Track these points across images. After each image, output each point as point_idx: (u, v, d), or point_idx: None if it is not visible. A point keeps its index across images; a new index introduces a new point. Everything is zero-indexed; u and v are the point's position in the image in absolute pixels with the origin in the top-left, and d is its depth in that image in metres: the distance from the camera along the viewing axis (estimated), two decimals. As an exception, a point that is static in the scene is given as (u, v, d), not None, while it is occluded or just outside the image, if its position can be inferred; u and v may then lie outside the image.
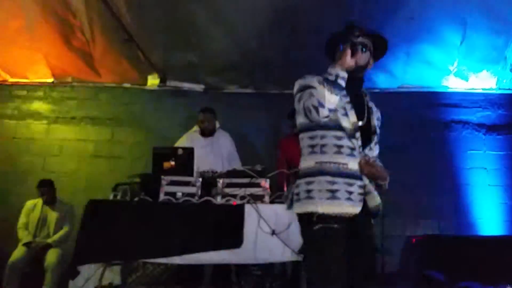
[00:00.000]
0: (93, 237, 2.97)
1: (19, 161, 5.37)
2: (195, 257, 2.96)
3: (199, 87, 5.55)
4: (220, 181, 3.17)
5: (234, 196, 3.11)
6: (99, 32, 4.81)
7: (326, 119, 1.99)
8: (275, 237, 2.97)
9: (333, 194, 1.98)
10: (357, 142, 2.04)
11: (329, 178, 2.00)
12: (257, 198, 3.10)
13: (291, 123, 4.18)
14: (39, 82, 5.58)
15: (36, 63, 5.33)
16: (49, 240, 4.40)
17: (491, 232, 5.00)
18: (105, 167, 5.29)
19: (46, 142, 5.44)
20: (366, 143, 2.09)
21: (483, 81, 5.26)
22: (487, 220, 5.09)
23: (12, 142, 5.44)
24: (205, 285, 3.68)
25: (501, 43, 4.74)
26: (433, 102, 5.33)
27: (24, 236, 4.43)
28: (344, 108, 2.06)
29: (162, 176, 3.18)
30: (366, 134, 2.10)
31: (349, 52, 1.99)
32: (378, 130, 2.20)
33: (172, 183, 3.17)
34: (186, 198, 3.13)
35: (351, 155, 2.02)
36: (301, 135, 2.18)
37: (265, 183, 3.16)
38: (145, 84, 5.53)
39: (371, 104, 2.22)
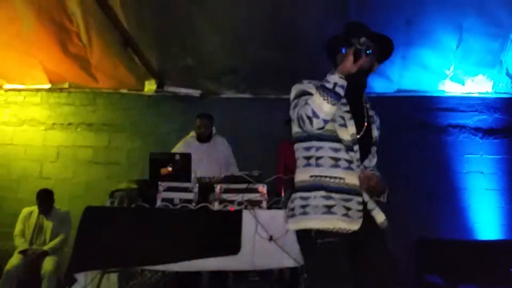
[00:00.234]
0: (90, 244, 2.95)
1: (16, 167, 5.34)
2: (192, 264, 2.95)
3: (196, 92, 5.55)
4: (218, 187, 3.16)
5: (232, 201, 3.10)
6: (96, 38, 4.81)
7: (320, 130, 1.86)
8: (273, 243, 2.96)
9: (329, 210, 1.84)
10: (355, 155, 1.89)
11: (324, 193, 1.86)
12: (255, 204, 3.09)
13: (289, 129, 4.18)
14: (36, 88, 5.57)
15: (32, 69, 5.32)
16: (46, 248, 4.37)
17: (488, 236, 5.00)
18: (102, 173, 5.27)
19: (42, 148, 5.42)
20: (365, 155, 1.96)
21: (479, 85, 5.27)
22: (484, 224, 5.09)
23: (9, 148, 5.42)
24: (203, 292, 3.67)
25: (497, 47, 4.76)
26: (430, 106, 5.34)
27: (20, 243, 4.40)
28: (343, 118, 1.92)
29: (159, 182, 3.17)
30: (366, 146, 1.97)
31: (351, 57, 1.82)
32: (377, 141, 2.07)
33: (169, 189, 3.16)
34: (184, 204, 3.12)
35: (349, 168, 1.88)
36: (296, 146, 2.03)
37: (263, 188, 3.15)
38: (142, 89, 5.53)
39: (372, 113, 2.06)
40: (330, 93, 1.80)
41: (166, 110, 5.47)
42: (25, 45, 4.91)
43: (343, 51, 1.94)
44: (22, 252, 4.32)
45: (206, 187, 3.31)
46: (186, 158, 3.41)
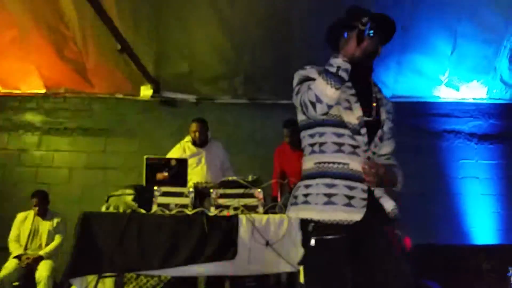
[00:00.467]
0: (86, 249, 2.94)
1: (11, 172, 5.32)
2: (188, 269, 2.94)
3: (191, 98, 5.55)
4: (214, 192, 3.16)
5: (228, 207, 3.10)
6: (92, 43, 4.82)
7: (324, 116, 1.78)
8: (270, 248, 2.96)
9: (329, 199, 1.75)
10: (363, 139, 1.80)
11: (328, 180, 1.78)
12: (251, 209, 3.10)
13: (287, 132, 4.19)
14: (32, 93, 5.56)
15: (28, 74, 5.31)
16: (41, 252, 4.35)
17: (484, 241, 5.01)
18: (98, 178, 5.25)
19: (38, 153, 5.40)
20: (372, 138, 1.84)
21: (474, 91, 5.31)
22: (480, 229, 5.10)
23: (4, 153, 5.40)
24: (199, 297, 3.66)
25: (491, 53, 4.80)
26: (425, 111, 5.37)
27: (15, 248, 4.38)
28: (348, 101, 1.83)
29: (155, 187, 3.17)
30: (373, 129, 1.85)
31: (354, 39, 1.74)
32: (390, 124, 1.95)
33: (165, 194, 3.16)
34: (179, 209, 3.12)
35: (353, 153, 1.79)
36: (302, 134, 1.95)
37: (259, 193, 3.15)
38: (138, 94, 5.52)
39: (381, 96, 1.96)
40: (333, 77, 1.72)
41: (162, 115, 5.47)
42: (22, 50, 4.91)
43: (345, 35, 1.85)
44: (17, 257, 4.30)
45: (202, 192, 3.31)
46: (182, 163, 3.41)
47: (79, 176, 5.32)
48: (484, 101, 5.41)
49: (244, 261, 2.95)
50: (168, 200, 3.13)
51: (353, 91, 1.86)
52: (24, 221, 4.51)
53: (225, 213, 3.08)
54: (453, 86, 5.26)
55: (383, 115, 1.90)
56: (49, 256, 4.33)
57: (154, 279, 3.80)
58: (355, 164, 1.78)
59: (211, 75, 5.22)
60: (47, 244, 4.43)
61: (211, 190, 3.19)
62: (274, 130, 4.68)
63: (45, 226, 4.50)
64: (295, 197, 1.89)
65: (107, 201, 3.21)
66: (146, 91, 5.48)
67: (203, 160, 4.17)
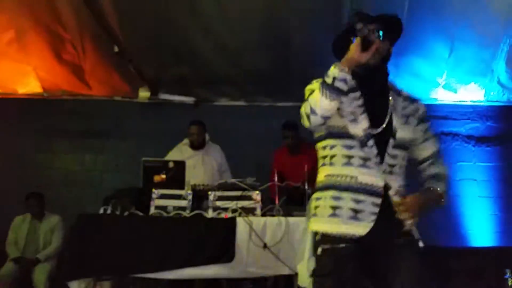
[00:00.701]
0: (83, 251, 2.94)
1: (9, 175, 5.30)
2: (186, 272, 2.95)
3: (190, 100, 5.55)
4: (211, 194, 3.16)
5: (226, 209, 3.10)
6: (90, 45, 4.81)
7: (321, 127, 1.78)
8: (267, 250, 2.96)
9: (334, 212, 1.74)
10: (371, 151, 1.75)
11: (335, 193, 1.76)
12: (249, 211, 3.10)
13: (286, 134, 4.18)
14: (29, 95, 5.54)
15: (26, 76, 5.30)
16: (38, 255, 4.33)
17: (482, 243, 5.02)
18: (95, 180, 5.24)
19: (36, 156, 5.38)
20: (384, 149, 1.78)
21: (471, 93, 5.32)
22: (478, 232, 5.11)
23: (1, 156, 5.38)
24: (196, 300, 3.65)
25: (488, 56, 4.80)
26: (423, 114, 5.37)
27: (12, 251, 4.37)
28: (353, 114, 1.79)
29: (153, 190, 3.17)
30: (385, 139, 1.79)
31: (358, 45, 1.69)
32: (421, 126, 1.88)
33: (163, 196, 3.16)
34: (177, 211, 3.12)
35: (363, 166, 1.74)
36: (316, 146, 1.93)
37: (257, 196, 3.16)
38: (136, 97, 5.52)
39: (399, 100, 1.88)
40: (328, 88, 1.69)
41: (160, 117, 5.46)
42: (19, 52, 4.90)
43: (354, 41, 1.76)
44: (14, 260, 4.28)
45: (200, 195, 3.31)
46: (179, 165, 3.41)
47: (76, 178, 5.31)
48: (482, 104, 5.42)
49: (242, 264, 2.96)
50: (166, 203, 3.14)
51: (360, 102, 1.81)
52: (21, 224, 4.50)
53: (223, 215, 3.08)
54: (450, 89, 5.26)
55: (398, 122, 1.81)
56: (46, 259, 4.32)
57: (151, 282, 3.78)
58: (365, 177, 1.74)
59: (209, 77, 5.21)
60: (44, 247, 4.42)
61: (209, 193, 3.19)
62: (272, 133, 4.68)
63: (42, 228, 4.49)
64: (309, 210, 1.90)
65: (104, 203, 3.21)
66: (144, 94, 5.47)
67: (200, 162, 4.17)
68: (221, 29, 4.50)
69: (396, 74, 5.01)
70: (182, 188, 3.29)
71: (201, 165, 4.15)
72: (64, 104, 5.56)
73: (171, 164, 3.42)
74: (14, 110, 5.50)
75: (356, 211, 1.72)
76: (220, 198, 3.15)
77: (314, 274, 1.82)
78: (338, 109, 1.78)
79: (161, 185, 3.28)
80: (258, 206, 3.13)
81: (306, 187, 3.33)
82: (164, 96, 5.53)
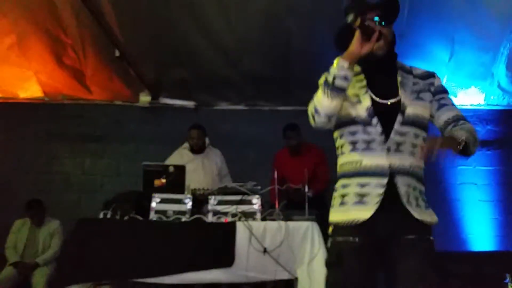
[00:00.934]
0: (82, 256, 2.93)
1: (9, 179, 5.30)
2: (186, 276, 2.94)
3: (190, 104, 5.56)
4: (211, 199, 3.16)
5: (225, 213, 3.10)
6: (91, 50, 4.82)
7: (327, 125, 1.76)
8: (267, 255, 2.96)
9: (342, 200, 1.74)
10: (376, 129, 1.71)
11: (344, 181, 1.76)
12: (249, 216, 3.10)
13: (288, 135, 4.18)
14: (30, 100, 5.55)
15: (27, 81, 5.31)
16: (37, 259, 4.33)
17: (482, 248, 5.01)
18: (95, 184, 5.25)
19: (36, 160, 5.39)
20: (390, 127, 1.72)
21: (471, 97, 5.32)
22: (478, 236, 5.10)
23: (2, 160, 5.38)
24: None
25: (488, 60, 4.81)
26: (423, 118, 5.37)
27: (11, 256, 4.36)
28: (357, 95, 1.77)
29: (153, 194, 3.17)
30: (392, 115, 1.73)
31: (358, 37, 1.66)
32: (436, 97, 1.82)
33: (163, 201, 3.16)
34: (177, 216, 3.11)
35: (367, 149, 1.71)
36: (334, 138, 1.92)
37: (257, 200, 3.15)
38: (137, 101, 5.53)
39: (407, 78, 1.82)
40: (330, 87, 1.68)
41: (161, 121, 5.47)
42: (20, 57, 4.91)
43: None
44: (13, 265, 4.28)
45: (200, 199, 3.31)
46: (180, 169, 3.41)
47: (77, 182, 5.31)
48: (482, 107, 5.43)
49: (242, 268, 2.95)
50: (166, 207, 3.14)
51: (363, 83, 1.79)
52: (21, 228, 4.49)
53: (223, 219, 3.07)
54: (451, 93, 5.26)
55: (407, 98, 1.75)
56: (45, 263, 4.32)
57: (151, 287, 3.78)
58: (369, 160, 1.70)
59: (209, 81, 5.22)
60: (43, 251, 4.41)
61: (209, 197, 3.19)
62: (272, 137, 4.68)
63: (42, 233, 4.48)
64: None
65: (104, 207, 3.21)
66: (144, 98, 5.49)
67: (201, 166, 4.17)
68: (222, 33, 4.51)
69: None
70: (182, 192, 3.30)
71: (201, 169, 4.15)
72: (65, 109, 5.57)
73: (171, 169, 3.42)
74: (15, 115, 5.51)
75: (361, 195, 1.69)
76: (220, 203, 3.15)
77: (326, 265, 1.81)
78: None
79: (161, 189, 3.28)
80: (258, 211, 3.12)
81: (306, 189, 3.33)
82: (165, 100, 5.55)
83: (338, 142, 1.83)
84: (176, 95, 5.52)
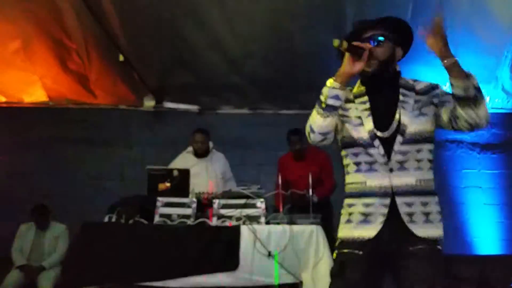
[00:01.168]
0: (87, 259, 2.94)
1: (14, 183, 5.32)
2: (190, 280, 2.94)
3: (194, 108, 5.57)
4: (216, 202, 3.16)
5: (230, 217, 3.10)
6: (95, 54, 4.85)
7: (323, 142, 1.81)
8: (272, 258, 2.95)
9: (349, 218, 1.80)
10: (378, 151, 1.75)
11: (351, 200, 1.82)
12: (253, 219, 3.09)
13: (293, 139, 4.17)
14: (35, 104, 5.58)
15: (31, 85, 5.34)
16: (43, 263, 4.34)
17: (487, 251, 4.99)
18: (100, 188, 5.26)
19: (41, 165, 5.40)
20: (391, 148, 1.76)
21: (476, 101, 5.30)
22: (483, 239, 5.08)
23: (6, 164, 5.40)
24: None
25: (492, 63, 4.80)
26: (427, 121, 5.36)
27: (18, 259, 4.38)
28: (360, 118, 1.81)
29: (157, 198, 3.17)
30: (393, 137, 1.77)
31: (348, 58, 1.71)
32: (436, 100, 1.83)
33: (167, 204, 3.16)
34: (182, 219, 3.12)
35: (370, 170, 1.76)
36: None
37: (261, 204, 3.15)
38: (141, 105, 5.55)
39: (409, 97, 1.82)
40: (322, 106, 1.75)
41: (165, 125, 5.49)
42: (25, 62, 4.94)
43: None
44: (20, 268, 4.29)
45: (204, 203, 3.31)
46: (184, 173, 3.42)
47: (82, 187, 5.33)
48: (486, 111, 5.41)
49: (246, 272, 2.95)
50: (170, 211, 3.14)
51: (367, 106, 1.83)
52: (26, 232, 4.51)
53: (227, 223, 3.08)
54: (454, 96, 5.25)
55: (407, 118, 1.77)
56: (51, 266, 4.33)
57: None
58: (372, 180, 1.76)
59: (213, 85, 5.24)
60: (49, 255, 4.43)
61: (213, 201, 3.19)
62: (276, 140, 4.68)
63: (47, 236, 4.50)
64: None
65: (109, 211, 3.22)
66: (148, 102, 5.51)
67: (204, 170, 4.17)
68: (225, 37, 4.52)
69: (406, 62, 5.04)
70: (187, 196, 3.30)
71: (205, 173, 4.15)
72: (70, 113, 5.59)
73: (175, 172, 3.43)
74: (20, 119, 5.54)
75: (366, 215, 1.75)
76: (225, 206, 3.15)
77: (330, 275, 1.85)
78: (344, 120, 1.83)
79: (166, 193, 3.29)
80: (262, 214, 3.12)
81: (311, 194, 3.33)
82: (169, 105, 5.56)
83: (345, 161, 1.89)
84: (180, 99, 5.53)
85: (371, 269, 1.74)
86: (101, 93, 5.40)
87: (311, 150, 4.18)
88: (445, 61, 1.73)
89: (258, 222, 3.09)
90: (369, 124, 1.79)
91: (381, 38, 1.79)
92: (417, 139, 1.77)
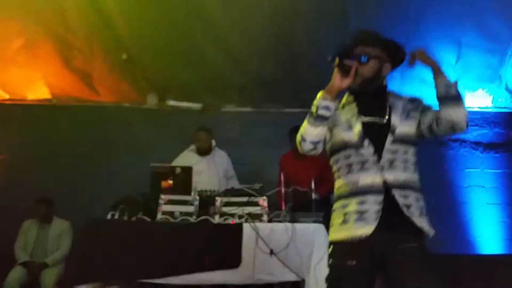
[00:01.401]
0: (91, 256, 2.95)
1: (17, 180, 5.34)
2: (193, 277, 2.94)
3: (197, 106, 5.58)
4: (218, 200, 3.16)
5: (232, 215, 3.11)
6: (98, 52, 4.86)
7: (313, 151, 1.93)
8: (274, 256, 2.96)
9: (344, 218, 1.86)
10: (368, 150, 1.86)
11: (343, 202, 1.89)
12: (256, 217, 3.10)
13: (293, 138, 4.17)
14: (38, 101, 5.59)
15: (35, 83, 5.36)
16: (46, 260, 4.36)
17: (490, 251, 4.97)
18: (103, 186, 5.26)
19: (44, 163, 5.41)
20: (382, 147, 1.87)
21: (479, 100, 5.30)
22: (486, 239, 5.07)
23: (10, 161, 5.42)
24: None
25: (496, 62, 4.79)
26: (430, 120, 5.35)
27: (21, 255, 4.40)
28: (349, 121, 1.93)
29: (160, 195, 3.18)
30: (383, 136, 1.89)
31: (337, 74, 1.86)
32: (418, 110, 1.99)
33: (170, 202, 3.17)
34: (184, 217, 3.12)
35: (362, 169, 1.85)
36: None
37: (263, 201, 3.16)
38: (144, 103, 5.56)
39: (397, 101, 2.00)
40: (313, 116, 1.86)
41: (168, 123, 5.49)
42: (28, 59, 4.96)
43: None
44: (23, 264, 4.32)
45: (206, 200, 3.31)
46: (187, 171, 3.42)
47: (85, 185, 5.34)
48: (490, 110, 5.40)
49: (248, 270, 2.95)
50: (173, 208, 3.15)
51: (355, 111, 1.95)
52: (30, 229, 4.53)
53: (230, 221, 3.08)
54: (457, 95, 5.24)
55: (397, 118, 1.92)
56: (54, 263, 4.35)
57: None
58: (365, 179, 1.84)
59: (216, 83, 5.24)
60: (52, 251, 4.45)
61: (216, 198, 3.20)
62: (279, 139, 4.68)
63: (51, 233, 4.52)
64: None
65: (112, 208, 3.23)
66: (152, 100, 5.52)
67: (207, 168, 4.18)
68: (229, 35, 4.53)
69: (402, 81, 5.06)
70: (189, 193, 3.30)
71: (207, 171, 4.16)
72: (73, 110, 5.60)
73: (178, 170, 3.43)
74: (23, 116, 5.55)
75: (361, 213, 1.81)
76: (227, 204, 3.15)
77: (325, 281, 1.92)
78: (335, 124, 1.94)
79: (168, 190, 3.29)
80: (265, 212, 3.13)
81: (313, 192, 3.33)
82: (172, 103, 5.57)
83: (335, 167, 1.98)
84: (183, 97, 5.54)
85: (366, 278, 1.82)
86: (104, 91, 5.41)
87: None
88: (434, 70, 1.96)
89: (261, 220, 3.09)
90: (357, 126, 1.90)
91: (362, 59, 1.91)
92: (405, 140, 1.90)
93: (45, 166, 5.39)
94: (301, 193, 3.67)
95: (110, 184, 5.19)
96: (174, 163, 4.09)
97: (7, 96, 5.61)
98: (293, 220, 3.11)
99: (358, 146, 1.88)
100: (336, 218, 1.91)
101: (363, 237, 1.78)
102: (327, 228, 3.06)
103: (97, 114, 5.58)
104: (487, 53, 4.70)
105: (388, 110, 1.94)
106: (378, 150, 1.85)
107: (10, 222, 4.74)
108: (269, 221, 3.12)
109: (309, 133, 1.87)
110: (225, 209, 3.14)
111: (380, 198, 1.80)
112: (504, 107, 5.37)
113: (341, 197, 1.91)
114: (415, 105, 2.00)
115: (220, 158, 4.31)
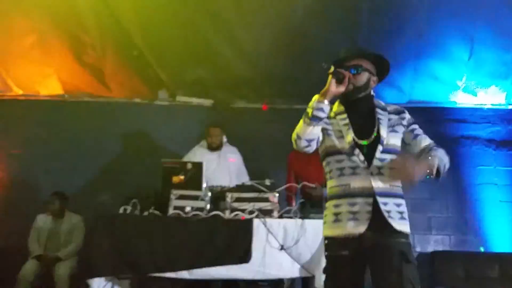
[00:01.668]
0: (103, 250, 2.98)
1: (30, 175, 5.40)
2: (203, 272, 2.97)
3: (208, 102, 5.60)
4: (229, 196, 3.18)
5: (243, 210, 3.13)
6: (110, 48, 4.89)
7: (307, 149, 2.09)
8: (284, 252, 2.97)
9: (337, 217, 2.03)
10: (358, 158, 2.03)
11: (336, 201, 2.06)
12: (266, 213, 3.12)
13: None
14: (50, 97, 5.65)
15: (47, 78, 5.40)
16: (59, 253, 4.42)
17: (502, 249, 4.93)
18: (115, 181, 5.31)
19: (55, 158, 5.47)
20: (373, 155, 2.04)
21: (492, 97, 5.24)
22: (499, 237, 5.02)
23: (21, 157, 5.48)
24: (213, 301, 3.67)
25: (509, 59, 4.73)
26: (442, 117, 5.31)
27: (34, 249, 4.46)
28: (340, 131, 2.10)
29: (172, 190, 3.20)
30: (374, 146, 2.06)
31: (332, 80, 2.03)
32: (407, 129, 2.17)
33: (181, 197, 3.20)
34: (195, 212, 3.15)
35: (353, 174, 2.03)
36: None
37: (274, 197, 3.17)
38: (156, 99, 5.59)
39: (384, 115, 2.15)
40: (309, 117, 2.03)
41: (178, 119, 5.51)
42: (41, 55, 5.00)
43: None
44: (36, 258, 4.38)
45: (217, 196, 3.33)
46: (198, 166, 3.44)
47: (97, 179, 5.39)
48: (503, 107, 5.34)
49: (259, 265, 2.97)
50: (184, 203, 3.18)
51: (346, 121, 2.12)
52: (43, 223, 4.60)
53: (240, 216, 3.10)
54: (470, 92, 5.20)
55: (385, 132, 2.09)
56: (67, 257, 4.40)
57: (169, 282, 3.82)
58: (356, 182, 2.02)
59: (227, 80, 5.25)
60: (65, 245, 4.50)
61: (226, 194, 3.21)
62: (289, 135, 4.66)
63: (63, 227, 4.58)
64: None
65: (124, 203, 3.26)
66: (163, 96, 5.55)
67: (217, 164, 4.20)
68: (240, 31, 4.53)
69: (415, 77, 5.03)
70: (200, 189, 3.32)
71: (217, 167, 4.18)
72: (84, 106, 5.65)
73: (189, 166, 3.45)
74: (36, 111, 5.61)
75: (353, 213, 1.99)
76: (238, 200, 3.17)
77: (323, 272, 2.11)
78: (328, 132, 2.11)
79: (180, 186, 3.32)
80: (275, 208, 3.14)
81: (323, 187, 3.33)
82: (183, 99, 5.59)
83: (327, 168, 2.15)
84: (194, 93, 5.56)
85: (357, 267, 2.01)
86: (116, 87, 5.44)
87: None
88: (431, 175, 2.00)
89: (271, 216, 3.10)
90: (349, 136, 2.07)
91: (354, 70, 2.08)
92: (391, 151, 2.07)
93: (57, 161, 5.44)
94: (312, 189, 3.67)
95: (122, 179, 5.25)
96: (185, 159, 4.11)
97: (20, 92, 5.67)
98: (303, 216, 3.12)
99: (349, 154, 2.05)
100: (329, 216, 2.08)
101: (356, 235, 1.96)
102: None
103: (109, 109, 5.62)
104: (500, 49, 4.64)
105: (376, 123, 2.10)
106: (368, 158, 2.02)
107: (23, 216, 4.81)
108: (280, 217, 3.13)
109: (304, 131, 2.04)
110: (235, 204, 3.16)
111: (370, 200, 1.98)
112: (517, 104, 5.31)
113: (333, 197, 2.08)
114: (399, 119, 2.17)
115: (230, 154, 4.33)
